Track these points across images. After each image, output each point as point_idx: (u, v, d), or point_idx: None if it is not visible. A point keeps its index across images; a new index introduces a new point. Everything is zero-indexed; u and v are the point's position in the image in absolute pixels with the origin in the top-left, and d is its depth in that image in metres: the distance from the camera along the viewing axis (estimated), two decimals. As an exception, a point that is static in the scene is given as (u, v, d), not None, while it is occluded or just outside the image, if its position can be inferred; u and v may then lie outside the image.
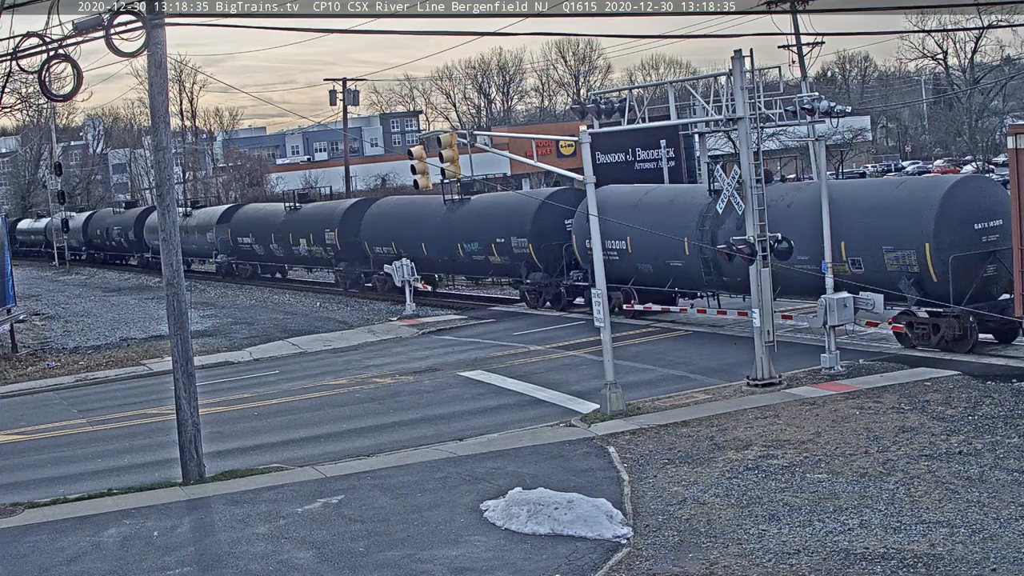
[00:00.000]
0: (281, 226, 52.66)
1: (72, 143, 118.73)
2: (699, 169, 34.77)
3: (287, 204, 53.36)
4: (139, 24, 17.75)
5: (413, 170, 23.37)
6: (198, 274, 62.50)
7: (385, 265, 41.68)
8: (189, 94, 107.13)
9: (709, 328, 31.06)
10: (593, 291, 22.46)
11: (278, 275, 56.99)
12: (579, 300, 35.95)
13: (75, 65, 17.95)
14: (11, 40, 18.42)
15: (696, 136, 33.81)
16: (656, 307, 32.57)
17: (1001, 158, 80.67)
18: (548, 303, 37.26)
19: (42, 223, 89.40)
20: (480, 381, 26.40)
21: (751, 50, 23.18)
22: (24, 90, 43.52)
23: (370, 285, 46.69)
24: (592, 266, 22.58)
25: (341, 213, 47.93)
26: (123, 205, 78.02)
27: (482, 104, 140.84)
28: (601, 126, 25.52)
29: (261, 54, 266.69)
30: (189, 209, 62.86)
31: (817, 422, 19.42)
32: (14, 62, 18.43)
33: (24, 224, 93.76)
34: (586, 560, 13.76)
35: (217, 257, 58.87)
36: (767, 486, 16.04)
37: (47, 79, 18.50)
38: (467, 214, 40.83)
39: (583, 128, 22.58)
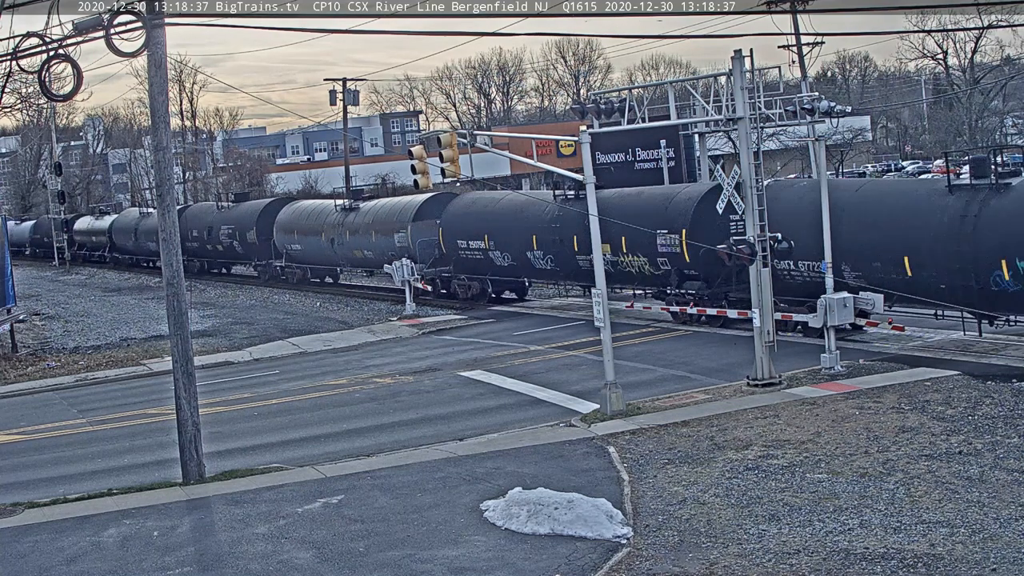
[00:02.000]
0: (550, 225, 35.51)
1: (72, 143, 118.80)
2: (699, 169, 34.74)
3: (559, 192, 36.13)
4: (139, 24, 17.75)
5: (413, 170, 23.41)
6: (372, 293, 47.09)
7: (385, 265, 41.33)
8: (189, 94, 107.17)
9: (709, 328, 31.04)
10: (593, 291, 22.47)
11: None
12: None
13: (75, 65, 17.96)
14: (11, 40, 18.45)
15: (696, 136, 33.85)
16: None
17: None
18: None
19: (106, 222, 74.20)
20: (480, 381, 26.40)
21: (751, 50, 23.22)
22: (24, 90, 43.50)
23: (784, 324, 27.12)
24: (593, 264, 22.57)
25: (692, 204, 30.44)
26: (232, 197, 60.56)
27: (482, 104, 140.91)
28: (601, 126, 25.52)
29: (261, 54, 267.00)
30: (352, 202, 47.50)
31: (817, 422, 19.42)
32: (14, 62, 18.44)
33: (83, 223, 79.16)
34: (586, 560, 13.75)
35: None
36: (767, 486, 16.03)
37: (47, 79, 18.52)
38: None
39: (583, 128, 22.59)
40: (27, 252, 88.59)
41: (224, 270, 61.24)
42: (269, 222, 52.53)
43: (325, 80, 69.12)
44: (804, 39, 50.87)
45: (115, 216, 74.58)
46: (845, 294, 24.22)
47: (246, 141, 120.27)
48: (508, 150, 51.82)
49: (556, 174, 32.30)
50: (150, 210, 67.43)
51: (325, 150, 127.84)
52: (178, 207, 68.09)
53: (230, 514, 16.77)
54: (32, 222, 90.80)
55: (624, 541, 14.34)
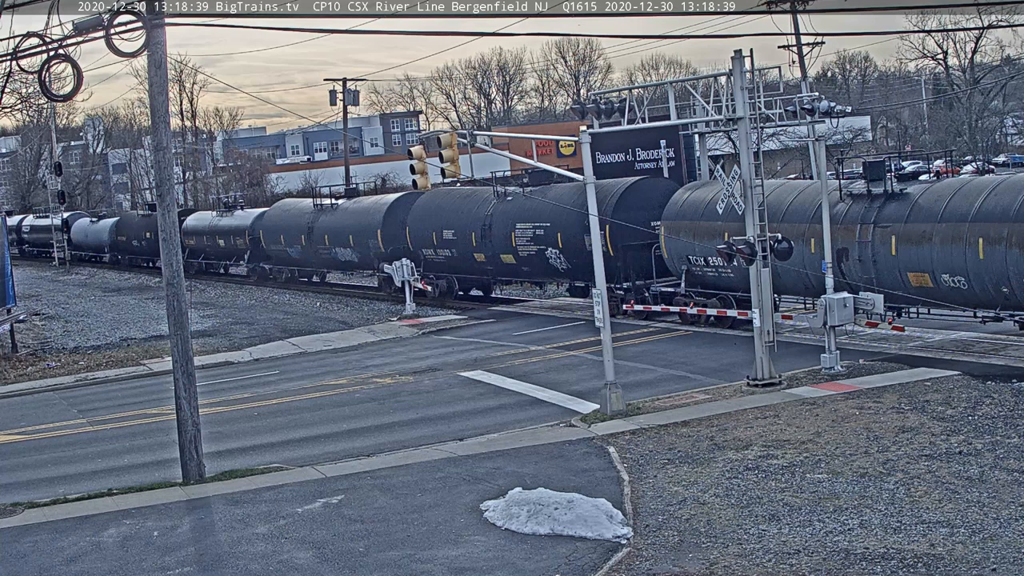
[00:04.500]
0: None
1: (72, 143, 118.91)
2: (699, 169, 34.76)
3: None
4: (139, 24, 17.76)
5: (413, 170, 23.41)
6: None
7: (385, 265, 41.29)
8: (189, 94, 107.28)
9: (709, 328, 31.04)
10: (593, 291, 22.46)
11: None
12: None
13: (75, 65, 17.97)
14: (11, 40, 18.46)
15: (696, 136, 33.85)
16: None
17: (1001, 158, 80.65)
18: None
19: (246, 218, 55.01)
20: (480, 381, 26.39)
21: (751, 50, 23.24)
22: (24, 90, 43.53)
23: None
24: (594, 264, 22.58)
25: None
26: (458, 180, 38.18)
27: (482, 104, 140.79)
28: (601, 126, 25.53)
29: (260, 54, 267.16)
30: (754, 187, 23.67)
31: (817, 422, 19.42)
32: (14, 62, 18.45)
33: (200, 221, 59.91)
34: (586, 560, 13.75)
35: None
36: (767, 486, 16.03)
37: (47, 79, 18.52)
38: None
39: (583, 128, 22.59)
40: (106, 258, 72.07)
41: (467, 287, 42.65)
42: (575, 220, 33.03)
43: (325, 80, 69.08)
44: (804, 39, 50.98)
45: (263, 211, 55.41)
46: (845, 294, 24.18)
47: (246, 141, 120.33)
48: (508, 150, 51.78)
49: (556, 174, 32.23)
50: (336, 202, 48.38)
51: (325, 150, 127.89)
52: (397, 195, 44.65)
53: (230, 514, 16.77)
54: (113, 220, 71.85)
55: (624, 541, 14.34)
